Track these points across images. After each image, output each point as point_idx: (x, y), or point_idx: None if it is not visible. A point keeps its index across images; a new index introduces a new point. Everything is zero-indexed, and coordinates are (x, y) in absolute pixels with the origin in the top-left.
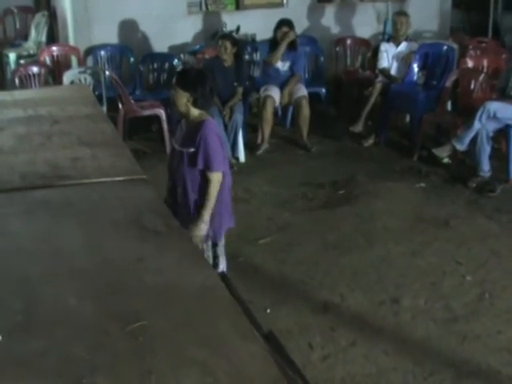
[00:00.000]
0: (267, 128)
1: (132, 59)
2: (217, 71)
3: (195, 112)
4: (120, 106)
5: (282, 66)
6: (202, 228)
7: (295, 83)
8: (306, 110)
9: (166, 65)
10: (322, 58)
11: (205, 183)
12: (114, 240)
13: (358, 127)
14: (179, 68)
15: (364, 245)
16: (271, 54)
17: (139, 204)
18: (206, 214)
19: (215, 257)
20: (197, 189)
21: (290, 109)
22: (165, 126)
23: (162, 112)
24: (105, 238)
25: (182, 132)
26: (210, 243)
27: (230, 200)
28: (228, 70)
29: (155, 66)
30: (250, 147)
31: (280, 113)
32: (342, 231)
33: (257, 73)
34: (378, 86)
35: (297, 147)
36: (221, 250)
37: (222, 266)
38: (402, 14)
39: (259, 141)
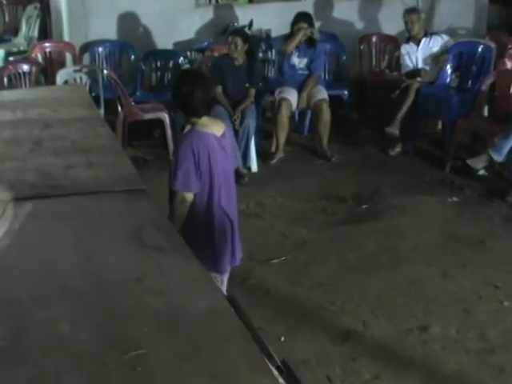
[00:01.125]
0: (282, 134)
1: (133, 57)
2: (226, 71)
3: (193, 120)
4: (119, 108)
5: (299, 62)
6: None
7: (313, 84)
8: (326, 115)
9: (171, 63)
10: (344, 57)
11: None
12: (112, 258)
13: (395, 129)
14: (185, 67)
15: (390, 266)
16: (286, 42)
17: (139, 218)
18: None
19: None
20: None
21: (309, 113)
22: (168, 131)
23: (165, 115)
24: (101, 256)
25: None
26: None
27: (222, 234)
28: (239, 69)
29: (158, 64)
30: (262, 156)
31: (297, 118)
32: (366, 250)
33: (271, 73)
34: (415, 87)
35: (315, 156)
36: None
37: None
38: (411, 11)
39: (273, 149)
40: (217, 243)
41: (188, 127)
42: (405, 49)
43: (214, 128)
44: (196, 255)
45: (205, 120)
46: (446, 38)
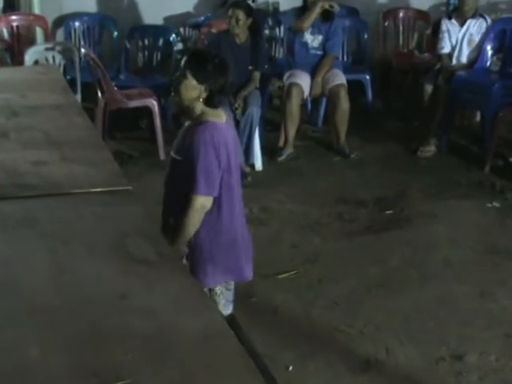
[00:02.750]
0: (292, 126)
1: (115, 33)
2: (226, 50)
3: (200, 109)
4: (99, 94)
5: (312, 40)
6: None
7: (329, 67)
8: (344, 104)
9: (160, 41)
10: (365, 36)
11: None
12: (90, 271)
13: (432, 146)
14: (178, 46)
15: (418, 282)
16: (301, 17)
17: (123, 224)
18: (178, 241)
19: None
20: (177, 212)
21: (324, 101)
22: (157, 121)
23: (153, 103)
24: (77, 269)
25: (181, 134)
26: None
27: (236, 242)
28: (241, 48)
29: (146, 42)
30: (269, 151)
31: (310, 107)
32: (390, 264)
33: (279, 53)
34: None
35: (331, 152)
36: (219, 296)
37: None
38: None
39: (281, 143)
40: (242, 248)
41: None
42: (446, 25)
43: (223, 117)
44: (219, 265)
45: (218, 109)
46: (489, 21)
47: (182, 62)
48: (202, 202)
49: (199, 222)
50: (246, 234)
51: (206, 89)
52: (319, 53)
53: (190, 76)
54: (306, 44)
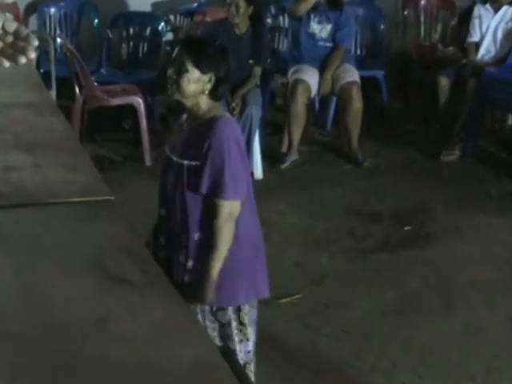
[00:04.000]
0: (297, 129)
1: (96, 21)
2: (223, 42)
3: (206, 104)
4: (77, 90)
5: (320, 30)
6: (208, 291)
7: (340, 60)
8: (356, 104)
9: (147, 30)
10: (381, 26)
11: (212, 216)
12: (64, 292)
13: (455, 152)
14: (168, 36)
15: (440, 308)
16: (298, 1)
17: (102, 239)
18: (214, 268)
19: (225, 326)
20: (200, 224)
21: (333, 101)
22: (143, 121)
23: (139, 101)
24: (50, 289)
25: (183, 134)
26: (215, 313)
27: (258, 248)
28: (241, 40)
29: (131, 31)
30: (270, 157)
31: (317, 107)
32: (408, 287)
33: (283, 45)
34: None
35: (341, 159)
36: (247, 315)
37: (250, 344)
38: None
39: (285, 148)
40: (245, 264)
41: (184, 116)
42: (479, 10)
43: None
44: (247, 279)
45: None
46: None
47: (177, 53)
48: (231, 209)
49: (232, 233)
50: (259, 244)
51: (210, 79)
52: (328, 45)
53: (190, 67)
54: (313, 35)
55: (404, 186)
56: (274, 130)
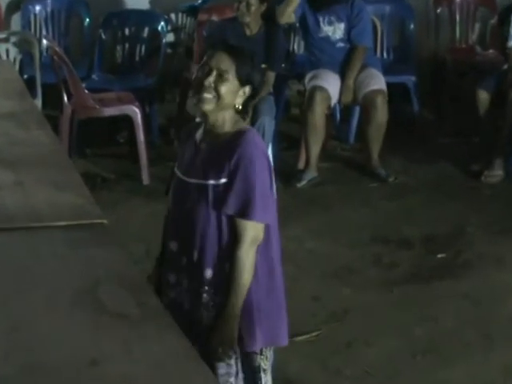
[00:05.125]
0: (316, 143)
1: (87, 20)
2: (233, 43)
3: (231, 118)
4: (65, 98)
5: (332, 31)
6: (231, 326)
7: (360, 62)
8: (381, 115)
9: (145, 31)
10: (411, 26)
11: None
12: (52, 328)
13: (498, 170)
14: (168, 38)
15: (479, 347)
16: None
17: (94, 268)
18: (237, 301)
19: (254, 373)
20: (227, 251)
21: (356, 111)
22: (140, 134)
23: (135, 111)
24: (35, 325)
25: (201, 153)
26: (237, 359)
27: (281, 283)
28: (252, 41)
29: (126, 32)
30: (285, 175)
31: (338, 117)
32: (441, 323)
33: (300, 48)
34: None
35: (366, 176)
36: (268, 361)
37: None
38: None
39: (302, 165)
40: (267, 300)
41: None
42: None
43: None
44: (270, 318)
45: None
46: None
47: (216, 59)
48: (256, 232)
49: (254, 261)
50: (281, 278)
51: (244, 92)
52: (348, 45)
53: (232, 77)
54: (326, 38)
55: (437, 208)
56: (289, 144)
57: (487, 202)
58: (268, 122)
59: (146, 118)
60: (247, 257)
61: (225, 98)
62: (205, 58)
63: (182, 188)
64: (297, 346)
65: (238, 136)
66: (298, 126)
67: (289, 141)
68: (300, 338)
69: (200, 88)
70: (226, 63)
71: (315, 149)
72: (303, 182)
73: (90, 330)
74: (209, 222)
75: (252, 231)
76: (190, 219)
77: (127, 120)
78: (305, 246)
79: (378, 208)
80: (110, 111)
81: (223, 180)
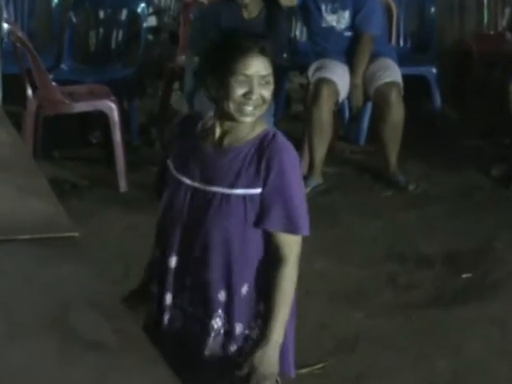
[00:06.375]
0: (322, 144)
1: (55, 1)
2: (228, 28)
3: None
4: (29, 92)
5: (336, 20)
6: (275, 357)
7: (368, 52)
8: (396, 112)
9: (123, 14)
10: (432, 9)
11: (264, 260)
12: (14, 360)
13: None
14: (150, 22)
15: (508, 380)
16: None
17: (65, 288)
18: (279, 330)
19: None
20: (251, 273)
21: (368, 107)
22: (117, 134)
23: (111, 106)
24: (0, 357)
25: (220, 156)
26: None
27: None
28: (250, 25)
29: (101, 15)
30: None
31: (348, 115)
32: (467, 353)
33: (302, 34)
34: None
35: (379, 183)
36: None
37: None
38: None
39: (304, 169)
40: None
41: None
42: None
43: None
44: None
45: None
46: None
47: (258, 61)
48: (299, 247)
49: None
50: None
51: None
52: (350, 35)
53: (271, 75)
54: (331, 29)
55: (462, 221)
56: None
57: None
58: (266, 119)
59: (123, 114)
60: (294, 275)
61: (268, 101)
62: (236, 68)
63: (189, 195)
64: (302, 379)
65: (266, 140)
66: (300, 124)
67: (291, 139)
68: (304, 370)
69: (243, 103)
70: (265, 66)
71: (320, 151)
72: (307, 190)
73: (59, 361)
74: (232, 238)
75: (297, 247)
76: (201, 233)
77: (102, 117)
78: (310, 265)
79: (394, 221)
80: (81, 107)
81: (256, 190)
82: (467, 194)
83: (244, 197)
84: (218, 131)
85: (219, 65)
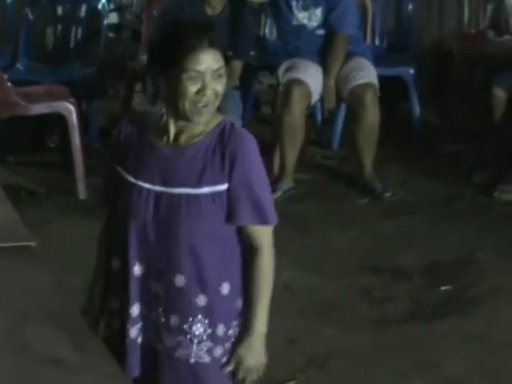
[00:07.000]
0: (292, 148)
1: None
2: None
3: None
4: None
5: (308, 18)
6: (260, 349)
7: (343, 54)
8: (371, 115)
9: (82, 10)
10: (409, 7)
11: (240, 254)
12: None
13: None
14: (111, 18)
15: None
16: None
17: (20, 301)
18: (265, 316)
19: None
20: (231, 271)
21: (342, 110)
22: (76, 137)
23: (70, 108)
24: None
25: (177, 156)
26: None
27: None
28: (214, 22)
29: (59, 11)
30: None
31: (320, 118)
32: (446, 371)
33: (272, 32)
34: None
35: (354, 190)
36: None
37: None
38: None
39: (276, 173)
40: None
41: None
42: None
43: None
44: None
45: None
46: None
47: (209, 53)
48: (270, 236)
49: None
50: None
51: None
52: (323, 34)
53: (223, 67)
54: (302, 27)
55: (441, 230)
56: (260, 149)
57: (501, 225)
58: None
59: (82, 117)
60: (271, 263)
61: (221, 95)
62: (187, 65)
63: (152, 200)
64: None
65: (226, 131)
66: (269, 127)
67: (259, 145)
68: None
69: (197, 101)
70: (216, 59)
71: (291, 156)
72: (278, 194)
73: (14, 378)
74: (204, 238)
75: (269, 235)
76: (170, 237)
77: (59, 120)
78: (281, 276)
79: (369, 230)
80: (38, 109)
81: (223, 186)
82: (447, 201)
83: (212, 195)
84: (172, 130)
85: (169, 62)
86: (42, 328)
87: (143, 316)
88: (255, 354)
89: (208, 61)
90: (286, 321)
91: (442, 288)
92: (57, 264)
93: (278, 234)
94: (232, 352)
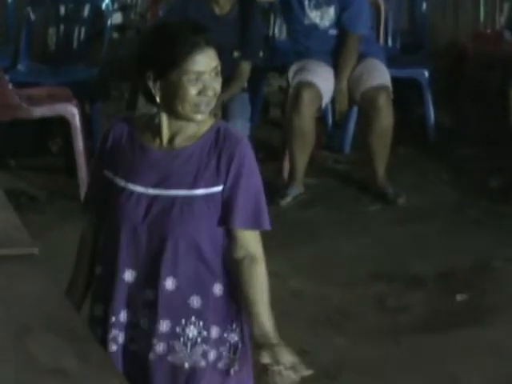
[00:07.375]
0: (302, 153)
1: None
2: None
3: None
4: None
5: (320, 17)
6: (285, 349)
7: (355, 55)
8: (385, 118)
9: (86, 10)
10: (423, 6)
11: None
12: None
13: None
14: (115, 19)
15: None
16: None
17: (22, 310)
18: (270, 322)
19: None
20: (222, 270)
21: (354, 113)
22: (79, 140)
23: (73, 111)
24: None
25: (171, 158)
26: None
27: None
28: (222, 22)
29: (62, 11)
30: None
31: (331, 121)
32: (462, 382)
33: (281, 32)
34: None
35: (365, 196)
36: None
37: None
38: None
39: (285, 178)
40: None
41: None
42: None
43: None
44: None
45: None
46: None
47: (206, 52)
48: (261, 242)
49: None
50: None
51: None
52: (335, 34)
53: (219, 65)
54: (314, 26)
55: (456, 237)
56: (267, 154)
57: None
58: (241, 125)
59: (86, 119)
60: (265, 269)
61: (218, 93)
62: (186, 67)
63: (144, 203)
64: None
65: (221, 133)
66: (279, 130)
67: (267, 150)
68: None
69: (198, 102)
70: (213, 58)
71: (302, 160)
72: (288, 199)
73: None
74: (198, 240)
75: (259, 240)
76: (163, 240)
77: (62, 122)
78: (288, 285)
79: (382, 237)
80: (40, 111)
81: (218, 188)
82: (462, 207)
83: (206, 196)
84: (166, 133)
85: (166, 65)
86: (44, 336)
87: (131, 324)
88: (286, 354)
89: (206, 60)
90: (297, 331)
91: (458, 297)
92: (60, 271)
93: (287, 240)
94: (227, 359)
